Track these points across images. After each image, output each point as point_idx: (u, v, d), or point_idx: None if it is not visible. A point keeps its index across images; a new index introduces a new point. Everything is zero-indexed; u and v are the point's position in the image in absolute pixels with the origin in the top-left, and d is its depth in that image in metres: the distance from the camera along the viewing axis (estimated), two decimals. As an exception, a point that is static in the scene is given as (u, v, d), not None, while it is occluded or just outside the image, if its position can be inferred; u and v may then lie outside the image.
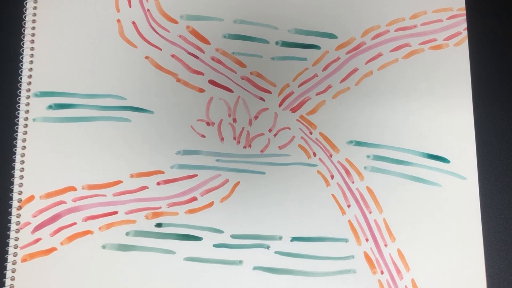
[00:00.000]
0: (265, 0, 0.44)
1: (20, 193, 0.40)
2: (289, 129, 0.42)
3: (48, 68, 0.42)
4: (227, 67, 0.43)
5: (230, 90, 0.43)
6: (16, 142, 0.41)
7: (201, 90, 0.42)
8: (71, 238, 0.40)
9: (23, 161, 0.40)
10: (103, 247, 0.40)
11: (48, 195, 0.40)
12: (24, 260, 0.39)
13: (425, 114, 0.42)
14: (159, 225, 0.40)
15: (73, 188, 0.40)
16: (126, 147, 0.41)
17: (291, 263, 0.40)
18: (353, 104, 0.42)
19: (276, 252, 0.40)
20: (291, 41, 0.43)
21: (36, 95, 0.41)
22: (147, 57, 0.43)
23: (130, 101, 0.42)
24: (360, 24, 0.44)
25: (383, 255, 0.40)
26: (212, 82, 0.43)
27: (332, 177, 0.41)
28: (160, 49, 0.43)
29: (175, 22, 0.43)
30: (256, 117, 0.42)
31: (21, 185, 0.40)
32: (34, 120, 0.41)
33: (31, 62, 0.42)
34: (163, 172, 0.41)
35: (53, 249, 0.39)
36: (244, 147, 0.42)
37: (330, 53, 0.43)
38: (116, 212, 0.40)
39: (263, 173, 0.41)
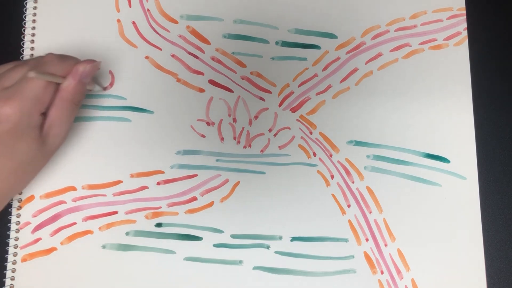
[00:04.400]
0: (265, 0, 0.44)
1: (20, 193, 0.40)
2: (289, 129, 0.42)
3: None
4: (227, 67, 0.43)
5: (230, 90, 0.43)
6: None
7: (201, 90, 0.42)
8: (71, 238, 0.40)
9: (23, 161, 0.40)
10: (103, 247, 0.40)
11: (48, 195, 0.40)
12: (24, 260, 0.39)
13: (425, 114, 0.42)
14: (159, 225, 0.40)
15: (73, 188, 0.40)
16: (126, 147, 0.41)
17: (291, 263, 0.40)
18: (353, 104, 0.42)
19: (276, 252, 0.40)
20: (291, 41, 0.43)
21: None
22: (147, 57, 0.43)
23: (130, 101, 0.42)
24: (360, 24, 0.44)
25: (383, 255, 0.40)
26: (212, 82, 0.43)
27: (332, 177, 0.41)
28: (160, 49, 0.43)
29: (175, 22, 0.43)
30: (256, 117, 0.42)
31: (21, 185, 0.40)
32: (34, 120, 0.41)
33: (31, 62, 0.42)
34: (163, 172, 0.41)
35: (53, 249, 0.39)
36: (244, 147, 0.42)
37: (330, 53, 0.43)
38: (116, 212, 0.40)
39: (263, 173, 0.41)
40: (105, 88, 0.41)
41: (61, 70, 0.35)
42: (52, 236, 0.40)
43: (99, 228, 0.40)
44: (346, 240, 0.40)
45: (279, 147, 0.42)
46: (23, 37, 0.42)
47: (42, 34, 0.43)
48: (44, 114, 0.35)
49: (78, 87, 0.36)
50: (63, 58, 0.36)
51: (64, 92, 0.35)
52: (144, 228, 0.40)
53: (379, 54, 0.43)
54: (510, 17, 0.44)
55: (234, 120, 0.42)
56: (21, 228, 0.40)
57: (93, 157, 0.41)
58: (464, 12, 0.44)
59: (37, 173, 0.37)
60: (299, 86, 0.43)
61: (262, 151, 0.42)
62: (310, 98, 0.43)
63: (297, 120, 0.42)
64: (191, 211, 0.40)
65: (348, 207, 0.41)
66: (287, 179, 0.41)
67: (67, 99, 0.35)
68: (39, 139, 0.34)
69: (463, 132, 0.42)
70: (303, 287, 0.39)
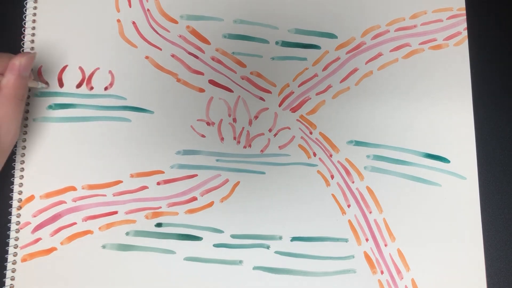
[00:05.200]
0: (265, 0, 0.44)
1: (20, 193, 0.40)
2: (289, 129, 0.42)
3: (48, 67, 0.42)
4: (227, 67, 0.43)
5: (230, 90, 0.43)
6: (16, 142, 0.41)
7: (201, 90, 0.42)
8: (71, 238, 0.40)
9: (23, 161, 0.40)
10: (103, 247, 0.40)
11: (48, 195, 0.40)
12: (24, 260, 0.39)
13: (425, 114, 0.42)
14: (159, 225, 0.40)
15: (73, 188, 0.40)
16: (126, 147, 0.41)
17: (291, 263, 0.40)
18: (353, 104, 0.42)
19: (276, 252, 0.40)
20: (291, 41, 0.43)
21: (36, 95, 0.41)
22: (147, 57, 0.43)
23: (130, 101, 0.42)
24: (360, 24, 0.44)
25: (383, 255, 0.40)
26: (212, 82, 0.43)
27: (332, 177, 0.41)
28: (160, 49, 0.43)
29: (175, 22, 0.43)
30: (256, 117, 0.42)
31: (21, 185, 0.40)
32: (34, 120, 0.41)
33: (31, 62, 0.42)
34: (163, 172, 0.41)
35: (53, 249, 0.39)
36: (244, 147, 0.42)
37: (330, 53, 0.43)
38: (116, 212, 0.40)
39: (263, 173, 0.41)
40: (48, 84, 0.41)
41: None
42: (52, 236, 0.40)
43: (99, 228, 0.40)
44: (346, 240, 0.40)
45: (279, 147, 0.42)
46: (23, 37, 0.42)
47: (42, 34, 0.43)
48: None
49: (18, 81, 0.35)
50: None
51: (5, 89, 0.35)
52: (144, 228, 0.40)
53: (379, 54, 0.43)
54: (510, 17, 0.44)
55: (234, 120, 0.42)
56: (21, 228, 0.40)
57: (93, 157, 0.41)
58: (464, 12, 0.44)
59: None
60: (299, 86, 0.43)
61: (262, 151, 0.42)
62: (310, 98, 0.43)
63: (297, 120, 0.42)
64: (191, 211, 0.40)
65: (348, 207, 0.41)
66: (287, 179, 0.41)
67: (10, 95, 0.35)
68: None
69: (463, 132, 0.42)
70: (303, 287, 0.39)
